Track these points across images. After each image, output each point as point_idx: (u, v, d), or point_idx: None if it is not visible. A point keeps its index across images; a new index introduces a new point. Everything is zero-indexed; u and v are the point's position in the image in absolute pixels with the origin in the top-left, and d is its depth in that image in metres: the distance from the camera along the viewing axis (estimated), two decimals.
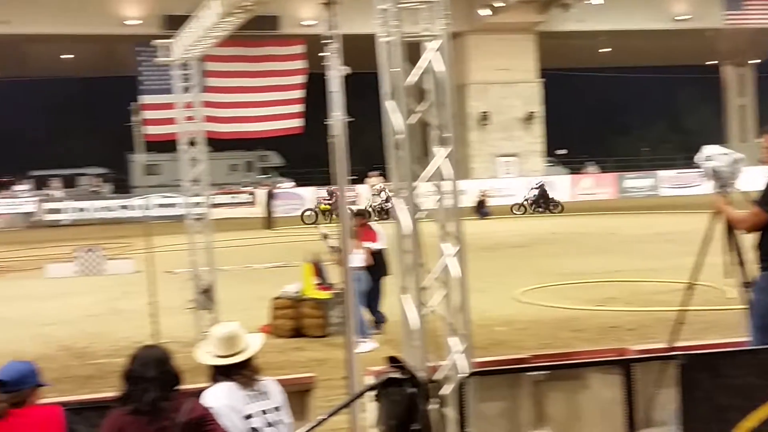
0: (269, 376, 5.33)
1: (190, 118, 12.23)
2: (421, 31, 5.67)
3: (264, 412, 5.05)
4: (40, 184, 53.40)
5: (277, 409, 5.12)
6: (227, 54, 34.10)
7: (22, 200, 46.02)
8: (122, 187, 53.44)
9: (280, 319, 13.25)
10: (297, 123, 39.42)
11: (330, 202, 38.34)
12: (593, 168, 55.42)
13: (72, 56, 52.09)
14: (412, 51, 5.57)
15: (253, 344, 5.18)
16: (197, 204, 12.71)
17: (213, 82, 35.03)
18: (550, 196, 40.47)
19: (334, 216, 37.58)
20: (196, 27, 10.50)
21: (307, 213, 38.80)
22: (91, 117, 66.52)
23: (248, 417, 4.97)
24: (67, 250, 24.45)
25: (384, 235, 12.65)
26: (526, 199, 40.28)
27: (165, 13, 41.81)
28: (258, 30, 33.49)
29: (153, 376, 4.61)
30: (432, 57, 5.59)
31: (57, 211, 44.26)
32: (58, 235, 35.08)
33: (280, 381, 5.38)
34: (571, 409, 5.75)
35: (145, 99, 40.59)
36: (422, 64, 5.59)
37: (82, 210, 44.46)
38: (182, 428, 4.53)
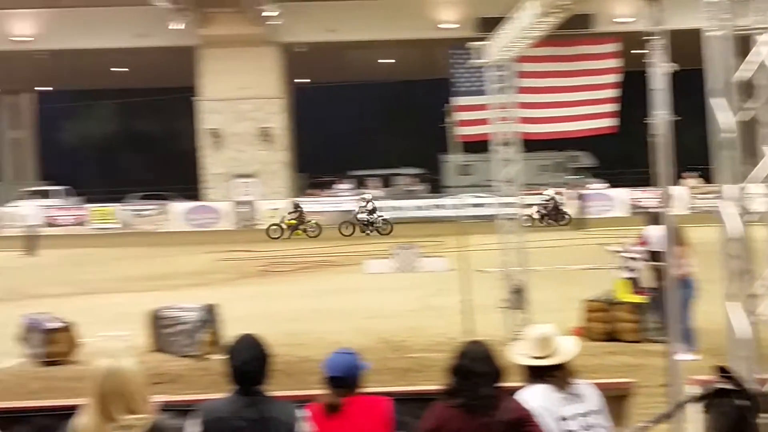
0: (585, 379, 5.26)
1: (504, 119, 12.36)
2: (752, 23, 5.38)
3: (580, 415, 4.97)
4: (360, 183, 56.23)
5: (593, 412, 5.03)
6: (540, 54, 33.96)
7: (342, 199, 48.65)
8: (436, 186, 54.99)
9: (593, 321, 13.08)
10: (610, 122, 38.49)
11: (295, 216, 36.25)
12: None
13: (391, 61, 54.36)
14: (739, 45, 5.31)
15: (567, 347, 5.13)
16: (509, 204, 12.83)
17: (526, 82, 35.01)
18: (561, 209, 38.63)
19: (299, 231, 35.53)
20: (511, 28, 10.61)
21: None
22: (407, 119, 68.93)
23: (563, 419, 4.92)
24: (384, 246, 25.55)
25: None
26: (537, 212, 37.64)
27: (479, 16, 42.51)
28: (570, 29, 33.18)
29: (484, 371, 4.66)
30: (766, 51, 5.28)
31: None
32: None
33: (597, 385, 5.28)
34: None
35: (459, 101, 41.32)
36: (754, 58, 5.29)
37: (398, 209, 46.22)
38: (503, 426, 4.56)
